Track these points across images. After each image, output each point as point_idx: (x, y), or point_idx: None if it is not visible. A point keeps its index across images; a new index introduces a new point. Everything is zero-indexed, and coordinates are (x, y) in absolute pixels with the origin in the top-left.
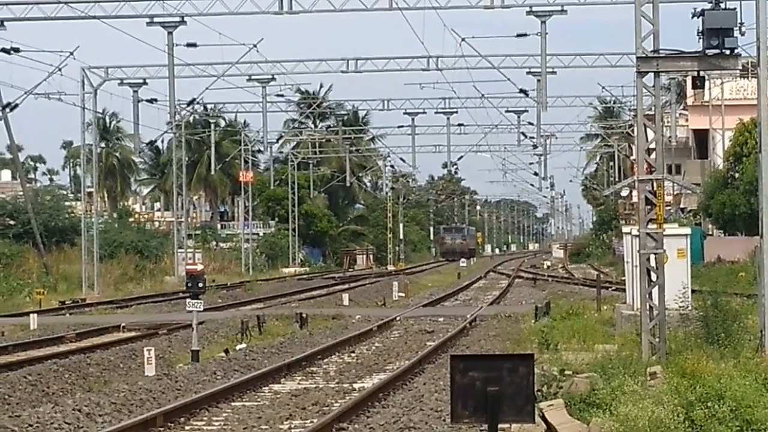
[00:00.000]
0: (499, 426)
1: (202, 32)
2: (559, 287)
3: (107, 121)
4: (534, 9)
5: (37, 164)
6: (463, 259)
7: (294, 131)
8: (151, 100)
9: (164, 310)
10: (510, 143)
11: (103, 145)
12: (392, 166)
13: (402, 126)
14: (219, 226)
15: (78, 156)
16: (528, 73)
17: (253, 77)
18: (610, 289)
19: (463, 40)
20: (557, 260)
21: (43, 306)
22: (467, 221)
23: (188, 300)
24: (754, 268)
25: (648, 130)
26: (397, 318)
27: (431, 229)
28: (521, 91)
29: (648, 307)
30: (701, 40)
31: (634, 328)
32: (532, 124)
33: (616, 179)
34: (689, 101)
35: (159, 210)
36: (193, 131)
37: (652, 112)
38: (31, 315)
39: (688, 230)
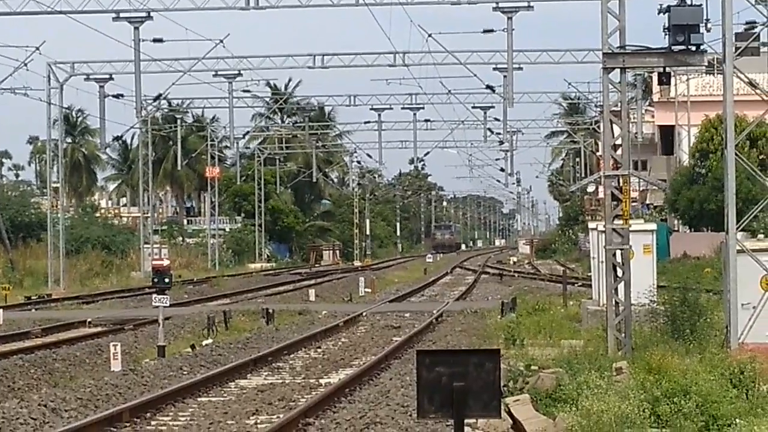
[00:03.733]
0: (465, 421)
1: (168, 28)
2: (525, 283)
3: (73, 116)
4: (500, 5)
5: (3, 160)
6: (429, 255)
7: (260, 127)
8: (117, 96)
9: (130, 306)
10: (476, 139)
11: (69, 140)
12: (359, 162)
13: (368, 122)
14: (185, 221)
15: (44, 151)
16: (494, 69)
17: (219, 73)
18: (576, 285)
19: (429, 35)
20: (523, 256)
21: (9, 301)
22: (434, 217)
23: (154, 295)
24: (719, 264)
25: (614, 126)
26: (364, 313)
27: (398, 224)
28: (488, 87)
29: (614, 302)
30: (667, 37)
31: (600, 324)
32: (498, 120)
33: (582, 175)
34: (655, 97)
35: (125, 205)
36: (159, 127)
37: (618, 108)
38: None
39: (653, 226)
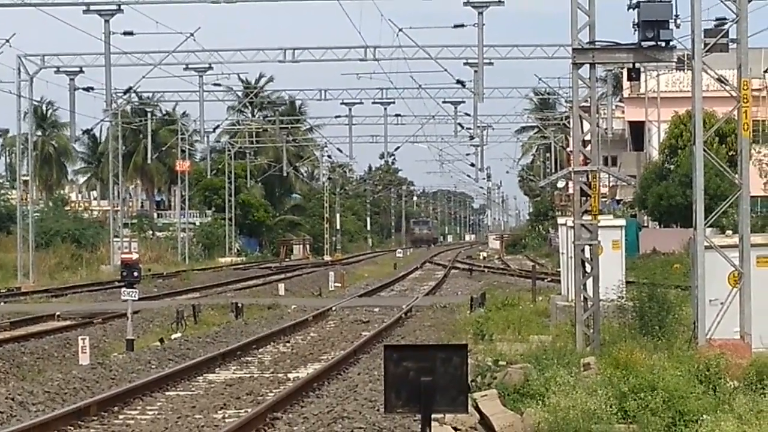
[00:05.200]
0: (433, 416)
1: (139, 20)
2: (494, 278)
3: (44, 109)
4: (471, 0)
5: None
6: (399, 250)
7: (231, 121)
8: (87, 89)
9: (99, 299)
10: (447, 134)
11: (39, 133)
12: (329, 157)
13: (339, 116)
14: (155, 215)
15: (14, 144)
16: (465, 64)
17: (190, 66)
18: (545, 281)
19: (400, 30)
20: (493, 251)
21: None
22: (405, 213)
23: (123, 289)
24: (688, 260)
25: (584, 121)
26: (333, 308)
27: (368, 219)
28: (458, 81)
29: (582, 298)
30: (637, 32)
31: (569, 319)
32: (468, 115)
33: (552, 171)
34: (625, 93)
35: (95, 199)
36: (129, 120)
37: (588, 104)
38: None
39: (622, 222)
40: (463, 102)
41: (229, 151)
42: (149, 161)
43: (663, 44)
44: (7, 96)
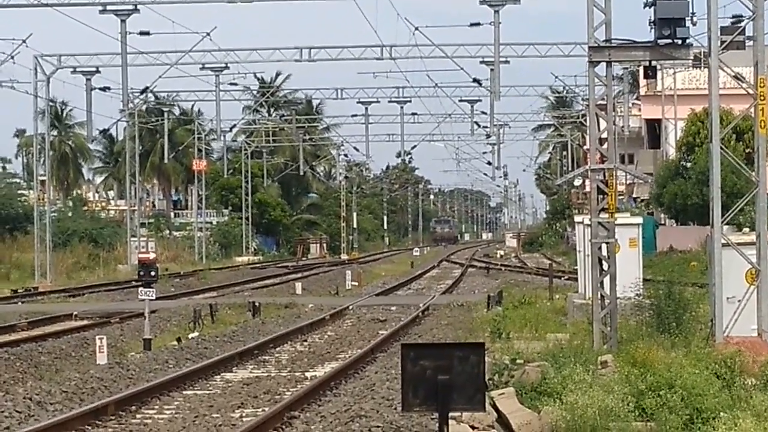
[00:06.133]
0: (450, 414)
1: (155, 20)
2: (511, 276)
3: (60, 109)
4: None
5: None
6: (416, 248)
7: (247, 120)
8: (104, 89)
9: (117, 299)
10: (463, 132)
11: (55, 133)
12: (346, 155)
13: (355, 115)
14: (172, 214)
15: (31, 144)
16: (481, 62)
17: (206, 65)
18: (562, 279)
19: (416, 29)
20: (510, 249)
21: None
22: (421, 211)
23: (141, 288)
24: (705, 258)
25: (600, 119)
26: (350, 307)
27: (385, 218)
28: (474, 80)
29: (599, 296)
30: (653, 30)
31: (586, 317)
32: (485, 113)
33: (569, 169)
34: (642, 91)
35: (113, 198)
36: (146, 120)
37: (605, 102)
38: None
39: (639, 220)
40: (480, 100)
41: (246, 150)
42: (166, 161)
43: (679, 42)
44: (23, 96)
